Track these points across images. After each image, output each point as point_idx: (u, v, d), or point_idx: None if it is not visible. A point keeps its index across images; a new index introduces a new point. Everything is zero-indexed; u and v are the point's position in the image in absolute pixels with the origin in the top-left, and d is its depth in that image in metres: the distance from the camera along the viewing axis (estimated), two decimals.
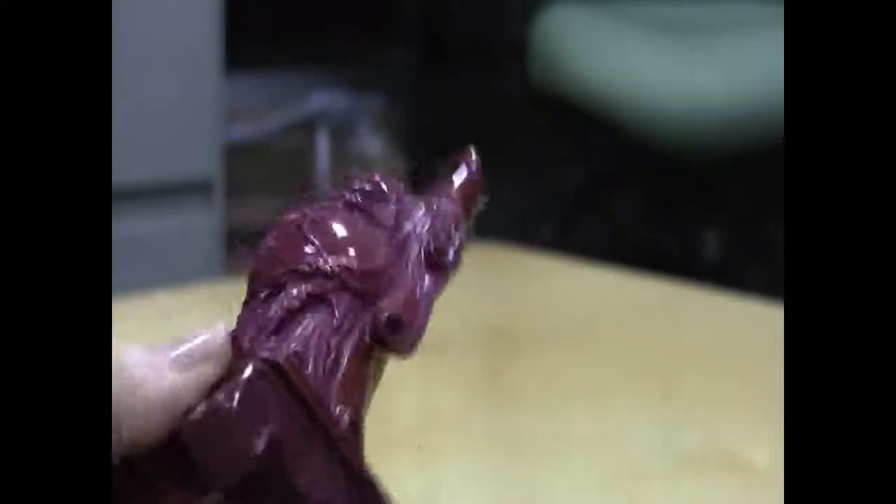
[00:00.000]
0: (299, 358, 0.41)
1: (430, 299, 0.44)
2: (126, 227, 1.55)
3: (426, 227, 0.45)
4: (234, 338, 0.42)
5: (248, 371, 0.40)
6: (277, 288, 0.43)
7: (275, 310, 0.42)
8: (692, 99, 1.82)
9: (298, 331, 0.42)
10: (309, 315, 0.42)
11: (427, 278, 0.44)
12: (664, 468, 0.78)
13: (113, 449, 0.39)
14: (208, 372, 0.41)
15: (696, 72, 1.84)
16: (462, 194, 0.46)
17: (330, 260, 0.43)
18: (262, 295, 0.42)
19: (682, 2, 2.10)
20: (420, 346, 0.43)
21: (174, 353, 0.41)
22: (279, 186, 1.94)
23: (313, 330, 0.42)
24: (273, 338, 0.42)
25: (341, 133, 1.97)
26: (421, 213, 0.45)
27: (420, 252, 0.44)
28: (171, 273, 1.54)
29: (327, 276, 0.43)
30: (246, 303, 0.43)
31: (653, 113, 1.84)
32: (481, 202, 0.46)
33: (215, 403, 0.40)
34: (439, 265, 0.44)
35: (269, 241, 0.43)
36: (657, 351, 0.98)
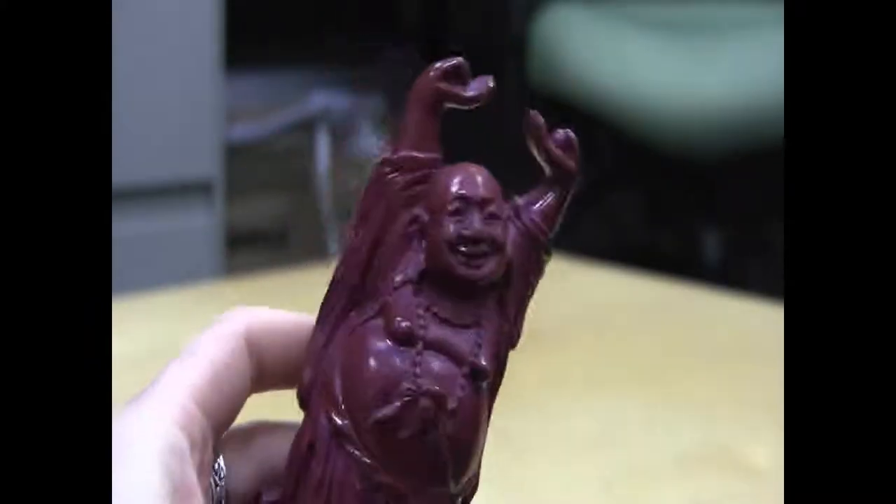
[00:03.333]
0: None
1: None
2: (126, 227, 1.56)
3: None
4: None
5: None
6: None
7: None
8: (692, 99, 1.82)
9: None
10: None
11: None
12: (664, 468, 0.78)
13: None
14: None
15: (697, 72, 1.84)
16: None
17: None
18: None
19: (682, 2, 2.10)
20: None
21: None
22: (279, 186, 1.94)
23: None
24: None
25: (341, 133, 1.97)
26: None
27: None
28: (171, 273, 1.54)
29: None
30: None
31: (653, 113, 1.84)
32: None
33: None
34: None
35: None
36: (657, 351, 0.98)
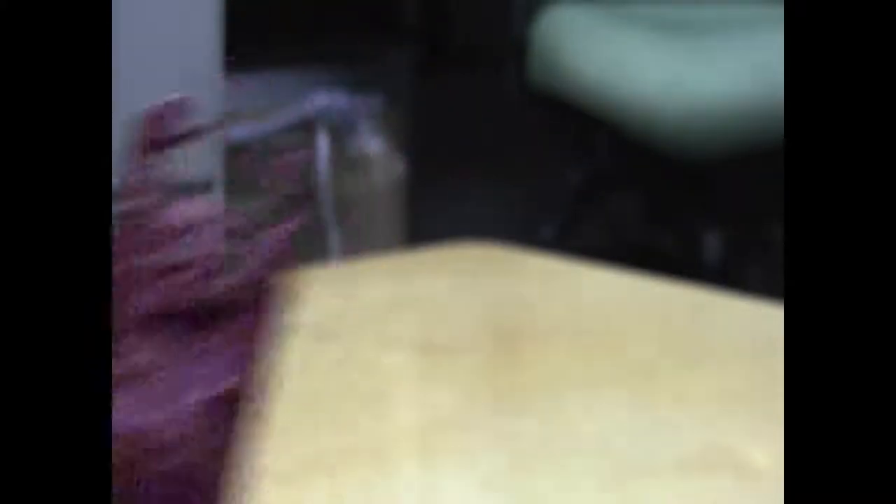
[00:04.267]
0: None
1: None
2: None
3: None
4: None
5: None
6: None
7: None
8: (692, 99, 1.82)
9: None
10: None
11: None
12: (664, 468, 0.78)
13: None
14: None
15: (697, 72, 1.84)
16: None
17: None
18: None
19: (682, 2, 2.10)
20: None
21: None
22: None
23: None
24: None
25: (341, 133, 1.97)
26: None
27: None
28: None
29: None
30: None
31: (652, 113, 1.84)
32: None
33: None
34: None
35: None
36: (657, 351, 0.98)
